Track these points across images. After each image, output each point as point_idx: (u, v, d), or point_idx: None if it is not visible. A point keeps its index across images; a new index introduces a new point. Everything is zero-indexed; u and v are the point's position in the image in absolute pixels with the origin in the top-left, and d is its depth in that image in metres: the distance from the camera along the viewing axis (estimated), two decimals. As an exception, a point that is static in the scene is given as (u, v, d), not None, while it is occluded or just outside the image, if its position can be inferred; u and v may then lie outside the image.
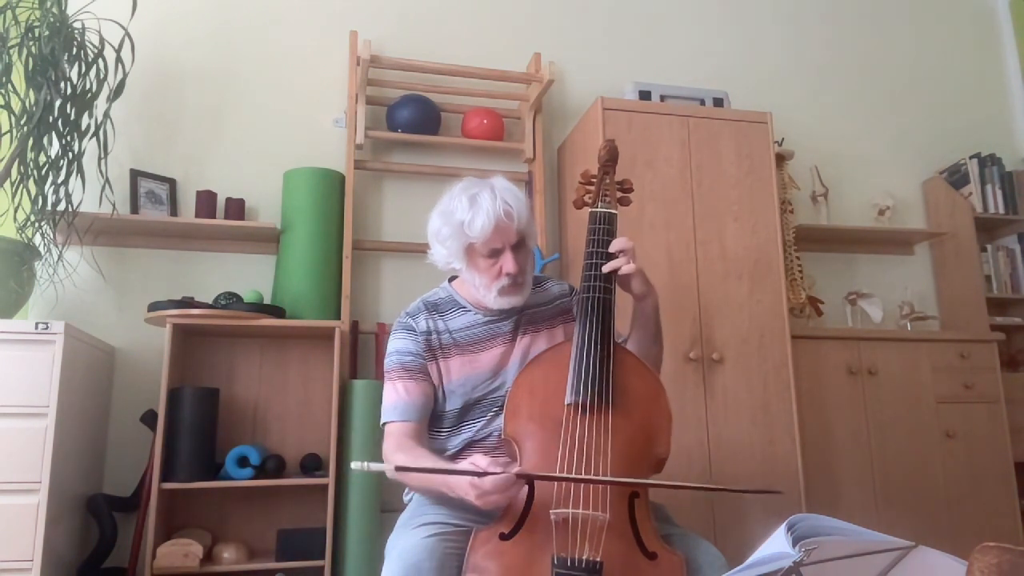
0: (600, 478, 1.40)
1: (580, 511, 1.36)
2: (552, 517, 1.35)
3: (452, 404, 1.62)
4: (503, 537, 1.35)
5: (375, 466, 1.26)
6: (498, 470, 1.29)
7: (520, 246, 1.60)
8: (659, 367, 1.72)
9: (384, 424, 1.60)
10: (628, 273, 1.59)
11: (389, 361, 1.64)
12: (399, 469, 1.33)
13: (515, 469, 1.32)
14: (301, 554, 2.41)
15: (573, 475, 1.40)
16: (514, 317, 1.68)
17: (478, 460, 1.33)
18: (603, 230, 1.67)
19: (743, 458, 2.59)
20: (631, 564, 1.34)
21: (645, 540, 1.37)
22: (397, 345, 1.64)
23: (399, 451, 1.51)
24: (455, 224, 1.56)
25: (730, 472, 2.56)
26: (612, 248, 1.62)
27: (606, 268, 1.61)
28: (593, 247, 1.66)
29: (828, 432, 2.86)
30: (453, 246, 1.59)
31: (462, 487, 1.34)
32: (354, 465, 1.26)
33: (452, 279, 1.77)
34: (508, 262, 1.58)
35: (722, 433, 2.59)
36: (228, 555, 2.40)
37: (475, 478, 1.30)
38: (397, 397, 1.59)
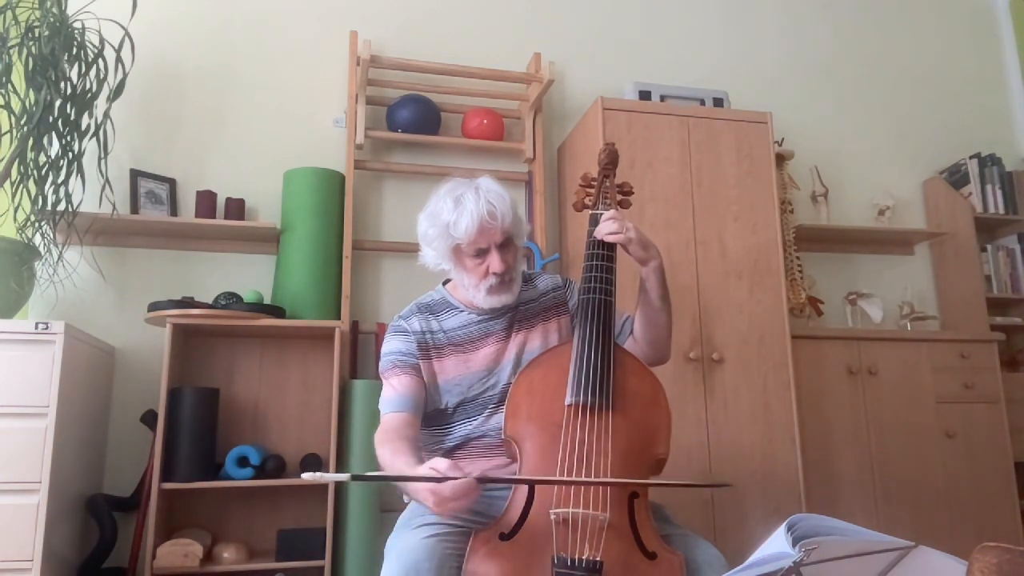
0: (571, 479, 1.39)
1: (580, 511, 1.36)
2: (552, 517, 1.35)
3: (449, 401, 1.63)
4: (503, 537, 1.35)
5: (330, 476, 1.30)
6: (457, 474, 1.26)
7: (506, 245, 1.61)
8: (670, 331, 1.73)
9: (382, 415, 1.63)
10: (619, 242, 1.61)
11: (383, 362, 1.66)
12: (355, 478, 1.30)
13: (475, 473, 1.29)
14: (301, 554, 2.41)
15: (538, 478, 1.40)
16: (507, 315, 1.69)
17: (438, 464, 1.29)
18: None
19: (743, 458, 2.59)
20: (631, 564, 1.34)
21: (645, 540, 1.37)
22: (390, 347, 1.66)
23: (381, 444, 1.51)
24: (441, 226, 1.58)
25: (730, 472, 2.56)
26: (602, 220, 1.64)
27: (598, 233, 1.64)
28: (593, 248, 1.67)
29: (828, 432, 2.86)
30: (440, 247, 1.61)
31: (421, 493, 1.29)
32: (305, 476, 1.22)
33: (446, 282, 1.78)
34: (495, 261, 1.59)
35: (722, 433, 2.59)
36: (228, 555, 2.40)
37: (434, 484, 1.26)
38: (392, 392, 1.61)
